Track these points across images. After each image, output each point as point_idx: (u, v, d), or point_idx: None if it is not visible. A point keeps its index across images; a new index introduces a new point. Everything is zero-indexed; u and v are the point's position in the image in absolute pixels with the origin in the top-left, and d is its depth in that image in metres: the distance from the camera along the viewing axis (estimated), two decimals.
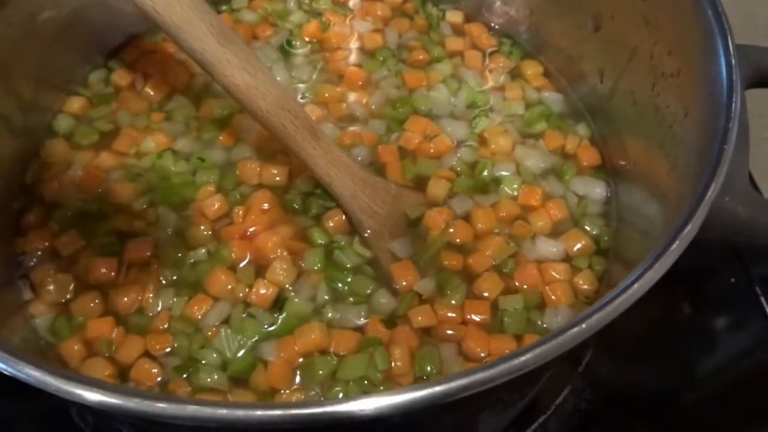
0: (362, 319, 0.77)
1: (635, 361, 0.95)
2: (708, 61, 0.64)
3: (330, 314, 0.77)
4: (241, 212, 0.83)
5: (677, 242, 0.49)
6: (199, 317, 0.76)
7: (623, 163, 0.89)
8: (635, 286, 0.47)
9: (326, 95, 0.97)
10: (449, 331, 0.76)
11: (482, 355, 0.75)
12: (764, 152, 1.25)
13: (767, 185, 1.05)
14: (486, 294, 0.79)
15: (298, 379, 0.73)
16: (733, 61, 0.60)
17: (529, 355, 0.43)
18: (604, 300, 0.48)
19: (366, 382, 0.72)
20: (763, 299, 0.97)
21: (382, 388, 0.72)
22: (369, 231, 0.83)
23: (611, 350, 0.92)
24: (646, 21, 0.79)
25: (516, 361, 0.43)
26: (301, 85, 0.98)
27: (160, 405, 0.44)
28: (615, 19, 0.87)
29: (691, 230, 0.50)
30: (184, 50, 0.76)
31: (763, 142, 1.27)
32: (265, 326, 0.76)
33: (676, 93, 0.73)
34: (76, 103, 0.95)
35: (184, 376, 0.73)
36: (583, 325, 0.45)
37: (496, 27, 1.08)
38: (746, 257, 0.98)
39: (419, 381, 0.73)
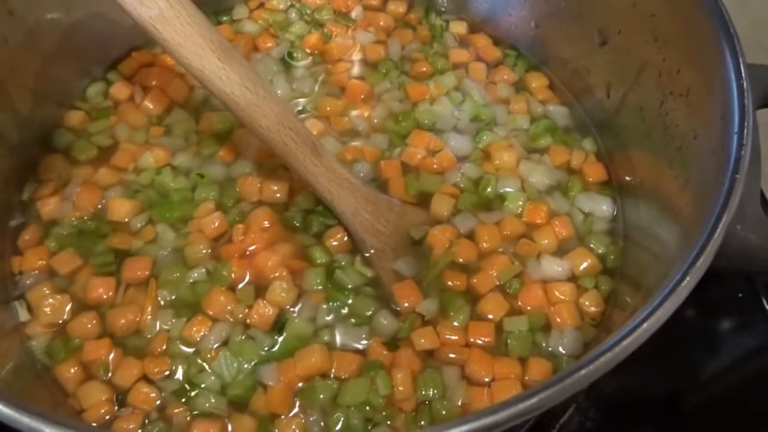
0: (364, 341, 0.76)
1: (640, 370, 0.93)
2: (719, 84, 0.62)
3: (331, 336, 0.76)
4: (240, 230, 0.82)
5: (688, 278, 0.48)
6: (198, 339, 0.75)
7: (630, 179, 0.88)
8: (644, 326, 0.45)
9: (328, 109, 0.96)
10: (452, 354, 0.75)
11: (486, 379, 0.74)
12: None
13: None
14: (490, 315, 0.78)
15: (298, 403, 0.72)
16: (745, 85, 0.59)
17: (534, 400, 0.42)
18: (615, 337, 0.46)
19: (368, 407, 0.71)
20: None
21: (384, 413, 0.71)
22: (372, 250, 0.82)
23: (617, 365, 0.91)
24: (654, 37, 0.77)
25: (523, 405, 0.42)
26: (302, 99, 0.97)
27: None
28: (622, 33, 0.85)
29: (702, 264, 0.48)
30: (183, 66, 0.74)
31: None
32: (265, 348, 0.75)
33: (685, 113, 0.71)
34: (74, 118, 0.93)
35: (183, 400, 0.71)
36: (591, 367, 0.44)
37: (501, 38, 1.06)
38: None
39: (421, 406, 0.72)
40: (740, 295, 0.99)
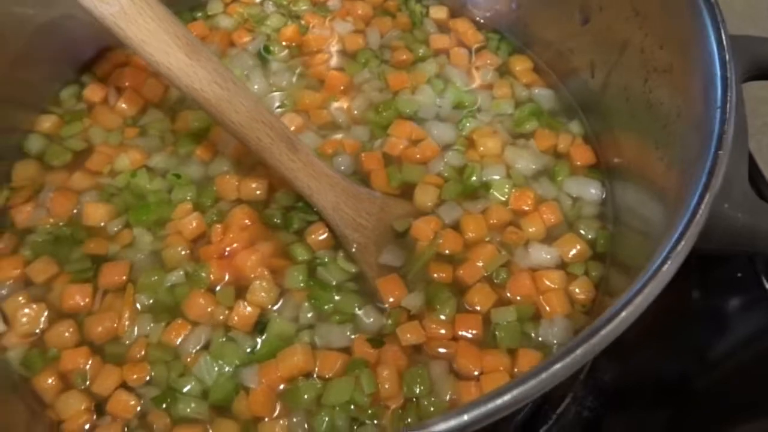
0: (348, 338, 0.74)
1: (637, 357, 0.91)
2: (701, 57, 0.59)
3: (314, 335, 0.74)
4: (219, 230, 0.80)
5: (670, 261, 0.45)
6: (178, 343, 0.73)
7: (618, 160, 0.85)
8: (623, 314, 0.43)
9: (306, 102, 0.93)
10: (439, 349, 0.73)
11: (475, 372, 0.72)
12: None
13: None
14: (477, 307, 0.76)
15: (281, 405, 0.70)
16: (727, 57, 0.56)
17: (490, 405, 0.40)
18: (593, 327, 0.44)
19: (352, 407, 0.69)
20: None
21: (370, 411, 0.69)
22: (355, 245, 0.80)
23: (614, 353, 0.89)
24: (635, 12, 0.75)
25: (485, 408, 0.40)
26: (279, 93, 0.94)
27: None
28: (603, 10, 0.83)
29: (684, 246, 0.46)
30: (150, 64, 0.72)
31: None
32: (247, 350, 0.73)
33: (669, 90, 0.68)
34: (47, 122, 0.91)
35: (163, 406, 0.70)
36: (558, 365, 0.41)
37: (483, 22, 1.03)
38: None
39: (408, 403, 0.70)
40: (740, 275, 0.97)
